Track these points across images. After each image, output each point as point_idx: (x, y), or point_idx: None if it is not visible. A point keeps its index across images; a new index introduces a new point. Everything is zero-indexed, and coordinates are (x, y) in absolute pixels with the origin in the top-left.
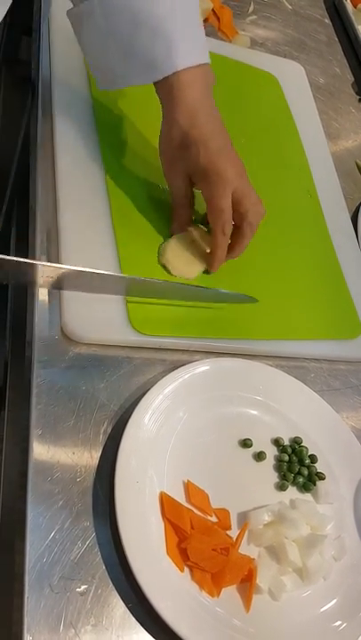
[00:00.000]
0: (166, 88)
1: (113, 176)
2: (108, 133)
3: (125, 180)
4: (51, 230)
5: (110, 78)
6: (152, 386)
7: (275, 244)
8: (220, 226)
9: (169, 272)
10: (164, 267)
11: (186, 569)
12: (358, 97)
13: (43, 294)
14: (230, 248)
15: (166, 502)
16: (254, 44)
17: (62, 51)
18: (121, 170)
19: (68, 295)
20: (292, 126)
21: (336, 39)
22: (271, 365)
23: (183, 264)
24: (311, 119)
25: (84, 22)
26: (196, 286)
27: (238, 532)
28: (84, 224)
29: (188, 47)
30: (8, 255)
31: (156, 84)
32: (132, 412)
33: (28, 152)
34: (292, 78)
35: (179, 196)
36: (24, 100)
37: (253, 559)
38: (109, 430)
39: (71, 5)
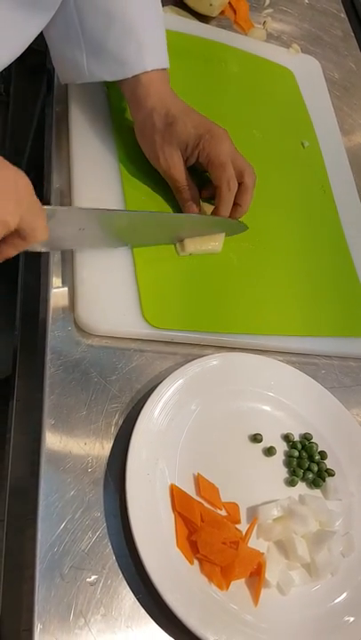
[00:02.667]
0: (132, 86)
1: (126, 161)
2: (122, 120)
3: (138, 164)
4: None
5: (76, 72)
6: (163, 379)
7: (288, 240)
8: (225, 181)
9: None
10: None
11: (195, 561)
12: None
13: (56, 285)
14: (235, 206)
15: (177, 495)
16: (270, 37)
17: None
18: (134, 155)
19: (81, 287)
20: (306, 121)
21: (352, 34)
22: (282, 361)
23: (199, 243)
24: (326, 114)
25: (55, 13)
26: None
27: (248, 527)
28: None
29: (156, 50)
30: None
31: (121, 80)
32: (143, 405)
33: (41, 138)
34: (308, 73)
35: (181, 178)
36: (38, 87)
37: (263, 553)
38: (121, 422)
39: None
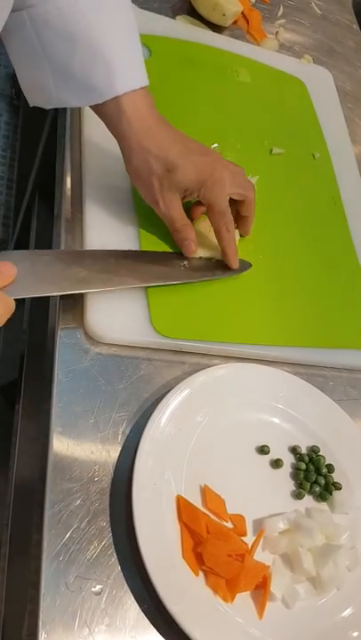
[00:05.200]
0: (110, 112)
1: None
2: None
3: None
4: (75, 221)
5: (43, 96)
6: (171, 388)
7: (297, 251)
8: (223, 226)
9: None
10: None
11: (201, 573)
12: None
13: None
14: (243, 219)
15: (183, 506)
16: (282, 47)
17: None
18: None
19: (90, 295)
20: (318, 132)
21: None
22: (290, 372)
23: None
24: (338, 126)
25: (13, 34)
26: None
27: (254, 539)
28: (107, 219)
29: (128, 70)
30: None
31: (96, 107)
32: (150, 414)
33: (53, 142)
34: (320, 84)
35: (180, 219)
36: None
37: (268, 566)
38: (128, 431)
39: None
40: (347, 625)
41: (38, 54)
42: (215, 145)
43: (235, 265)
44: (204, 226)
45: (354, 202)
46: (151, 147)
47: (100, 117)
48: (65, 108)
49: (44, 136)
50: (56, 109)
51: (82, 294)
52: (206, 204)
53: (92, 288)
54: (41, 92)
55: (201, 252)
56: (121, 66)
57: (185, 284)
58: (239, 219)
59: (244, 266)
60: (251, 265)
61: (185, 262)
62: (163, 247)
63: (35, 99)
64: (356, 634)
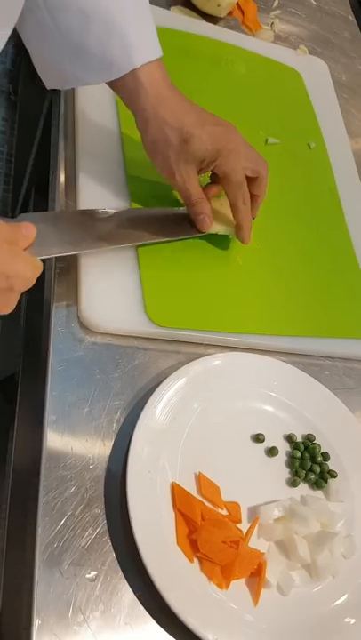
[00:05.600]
0: (128, 87)
1: (132, 159)
2: (130, 116)
3: (144, 163)
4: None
5: (60, 77)
6: (166, 377)
7: (293, 241)
8: (240, 198)
9: None
10: None
11: (195, 560)
12: None
13: (60, 282)
14: (254, 197)
15: (177, 493)
16: (278, 38)
17: None
18: (141, 153)
19: (85, 285)
20: (313, 122)
21: (360, 36)
22: (286, 362)
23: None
24: (333, 116)
25: (27, 18)
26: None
27: (249, 526)
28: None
29: (143, 42)
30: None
31: (113, 83)
32: (145, 403)
33: (48, 137)
34: (315, 74)
35: (196, 192)
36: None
37: (263, 553)
38: (122, 419)
39: None
40: (342, 612)
41: (53, 35)
42: None
43: (247, 240)
44: (217, 202)
45: (349, 191)
46: (167, 116)
47: (115, 92)
48: (58, 100)
49: (38, 132)
50: (50, 103)
51: (77, 284)
52: (222, 176)
53: (111, 245)
54: (58, 72)
55: (215, 228)
56: (136, 37)
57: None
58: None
59: None
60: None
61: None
62: (160, 255)
63: (51, 81)
64: (352, 621)
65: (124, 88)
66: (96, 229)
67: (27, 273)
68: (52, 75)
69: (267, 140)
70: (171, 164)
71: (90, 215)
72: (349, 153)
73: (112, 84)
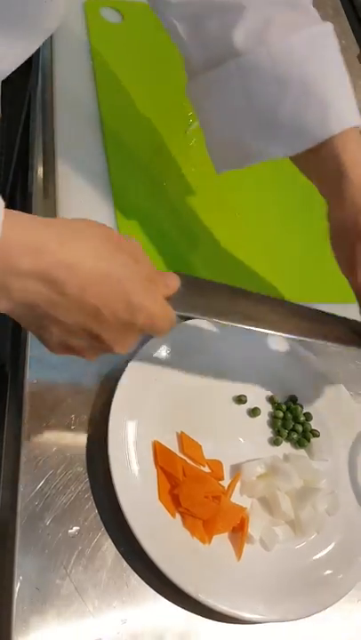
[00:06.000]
0: (319, 159)
1: (113, 145)
2: (108, 89)
3: (124, 137)
4: (49, 190)
5: (240, 155)
6: (149, 339)
7: (285, 208)
8: None
9: None
10: None
11: (178, 515)
12: None
13: None
14: None
15: (159, 451)
16: None
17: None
18: (121, 141)
19: None
20: None
21: (342, 12)
22: None
23: None
24: None
25: (212, 93)
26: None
27: (230, 481)
28: (82, 184)
29: (343, 106)
30: None
31: (300, 155)
32: (127, 363)
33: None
34: None
35: None
36: (28, 74)
37: (245, 508)
38: (105, 380)
39: None
40: (325, 566)
41: (241, 107)
42: (191, 112)
43: None
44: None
45: None
46: None
47: (302, 170)
48: (37, 72)
49: (22, 116)
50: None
51: None
52: None
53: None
54: (236, 150)
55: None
56: (336, 102)
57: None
58: None
59: None
60: None
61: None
62: (138, 219)
63: (226, 162)
64: (335, 574)
65: (315, 161)
66: (244, 307)
67: (156, 312)
68: (228, 154)
69: None
70: (355, 260)
71: (242, 293)
72: None
73: (297, 160)
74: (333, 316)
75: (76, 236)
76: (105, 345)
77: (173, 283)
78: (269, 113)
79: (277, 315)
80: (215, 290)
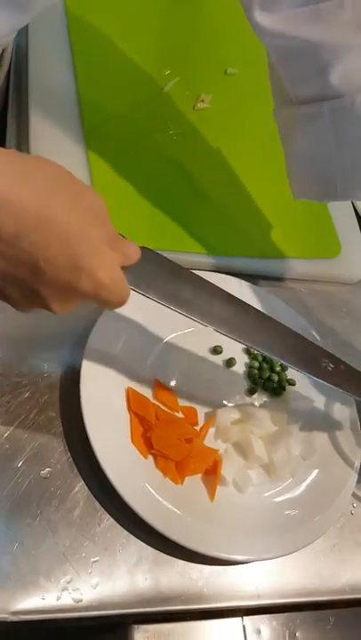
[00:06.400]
0: None
1: (87, 102)
2: (84, 53)
3: (100, 103)
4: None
5: (322, 191)
6: None
7: (257, 165)
8: None
9: None
10: None
11: (150, 457)
12: None
13: None
14: None
15: (132, 396)
16: None
17: None
18: (95, 96)
19: None
20: None
21: None
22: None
23: None
24: None
25: (302, 126)
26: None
27: (203, 424)
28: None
29: None
30: None
31: None
32: (101, 313)
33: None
34: None
35: None
36: None
37: (218, 450)
38: (80, 330)
39: None
40: (298, 507)
41: (330, 148)
42: (168, 72)
43: None
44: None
45: None
46: None
47: None
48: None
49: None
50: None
51: None
52: None
53: (190, 315)
54: (319, 185)
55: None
56: None
57: None
58: None
59: None
60: None
61: (331, 364)
62: (116, 176)
63: (306, 193)
64: (304, 514)
65: None
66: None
67: (105, 282)
68: (311, 187)
69: (226, 70)
70: None
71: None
72: None
73: None
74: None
75: (22, 171)
76: (41, 300)
77: (133, 253)
78: (359, 159)
79: (241, 319)
80: (176, 274)
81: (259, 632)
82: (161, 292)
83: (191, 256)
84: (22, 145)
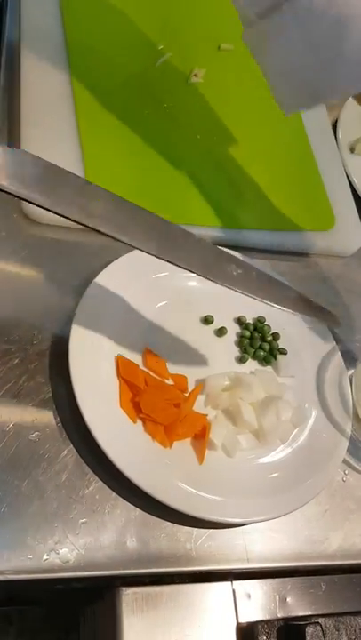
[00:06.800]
0: None
1: (79, 78)
2: (76, 28)
3: (91, 80)
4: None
5: (308, 95)
6: (118, 257)
7: (248, 136)
8: None
9: None
10: None
11: (139, 421)
12: None
13: None
14: None
15: (122, 363)
16: None
17: None
18: (87, 71)
19: None
20: None
21: None
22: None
23: None
24: None
25: (270, 39)
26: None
27: (192, 389)
28: (47, 120)
29: None
30: None
31: None
32: (91, 282)
33: None
34: None
35: None
36: None
37: (207, 415)
38: (71, 302)
39: None
40: (287, 471)
41: (300, 51)
42: (161, 47)
43: None
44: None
45: None
46: None
47: None
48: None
49: None
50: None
51: None
52: None
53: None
54: (303, 91)
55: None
56: None
57: None
58: None
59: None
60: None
61: (238, 270)
62: (108, 150)
63: (293, 104)
64: (294, 478)
65: None
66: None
67: None
68: (296, 96)
69: (220, 45)
70: None
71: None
72: None
73: None
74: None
75: None
76: None
77: None
78: (333, 52)
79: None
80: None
81: (249, 596)
82: (53, 200)
83: (184, 228)
84: (13, 128)
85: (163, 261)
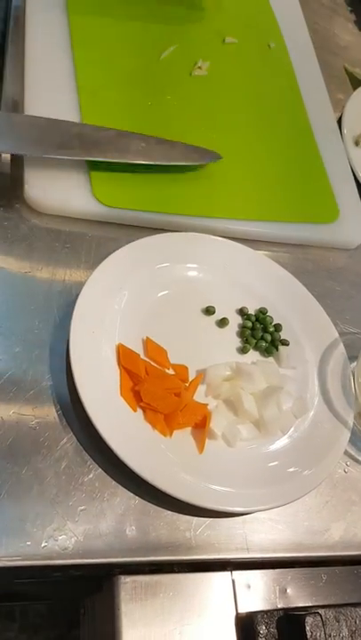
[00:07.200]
0: None
1: (83, 68)
2: (80, 22)
3: (95, 71)
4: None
5: None
6: (120, 247)
7: (252, 128)
8: None
9: None
10: None
11: (139, 410)
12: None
13: (5, 161)
14: None
15: (122, 352)
16: None
17: None
18: (91, 62)
19: (31, 164)
20: (272, 21)
21: None
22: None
23: None
24: (293, 13)
25: None
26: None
27: (193, 379)
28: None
29: None
30: None
31: None
32: (91, 273)
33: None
34: None
35: None
36: None
37: (207, 405)
38: (72, 291)
39: None
40: (288, 461)
41: None
42: (166, 40)
43: None
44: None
45: (310, 87)
46: None
47: None
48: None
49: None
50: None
51: (22, 165)
52: None
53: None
54: None
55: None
56: None
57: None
58: None
59: (214, 156)
60: (220, 157)
61: (143, 143)
62: (104, 116)
63: None
64: (294, 468)
65: None
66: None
67: None
68: None
69: (224, 39)
70: None
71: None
72: (311, 49)
73: None
74: None
75: None
76: None
77: None
78: None
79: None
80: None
81: (248, 587)
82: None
83: (185, 218)
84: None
85: (164, 252)
